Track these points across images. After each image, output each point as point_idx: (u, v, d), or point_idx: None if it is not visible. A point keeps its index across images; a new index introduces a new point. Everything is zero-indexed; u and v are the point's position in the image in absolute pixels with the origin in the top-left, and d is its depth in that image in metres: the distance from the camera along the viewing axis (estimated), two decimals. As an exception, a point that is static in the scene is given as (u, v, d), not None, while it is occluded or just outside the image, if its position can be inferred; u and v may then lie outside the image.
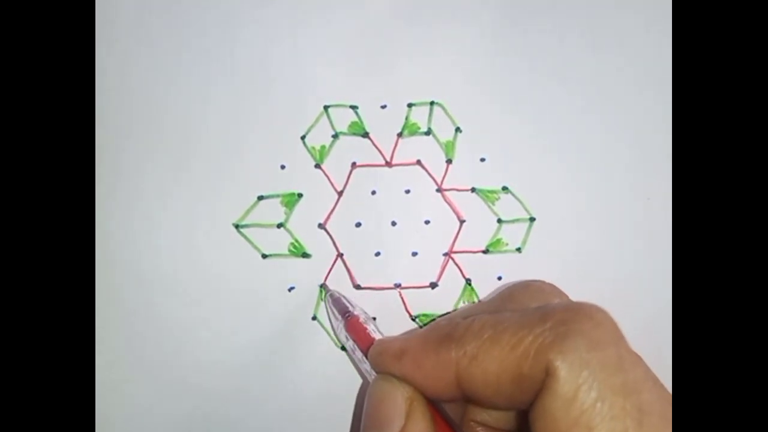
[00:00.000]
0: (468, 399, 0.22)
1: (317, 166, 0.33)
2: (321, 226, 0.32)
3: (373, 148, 0.33)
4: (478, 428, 0.25)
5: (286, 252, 0.32)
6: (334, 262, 0.32)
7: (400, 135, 0.33)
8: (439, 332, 0.22)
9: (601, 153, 0.33)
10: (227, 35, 0.33)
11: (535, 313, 0.21)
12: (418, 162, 0.33)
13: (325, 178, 0.33)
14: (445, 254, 0.32)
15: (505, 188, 0.33)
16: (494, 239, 0.32)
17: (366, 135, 0.33)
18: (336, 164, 0.33)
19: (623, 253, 0.32)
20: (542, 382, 0.19)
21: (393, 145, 0.33)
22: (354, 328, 0.28)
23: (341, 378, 0.31)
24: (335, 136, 0.33)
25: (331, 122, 0.33)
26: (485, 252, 0.32)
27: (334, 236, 0.32)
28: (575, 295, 0.30)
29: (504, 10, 0.34)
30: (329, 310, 0.31)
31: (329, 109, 0.33)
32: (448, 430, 0.23)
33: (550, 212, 0.33)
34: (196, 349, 0.31)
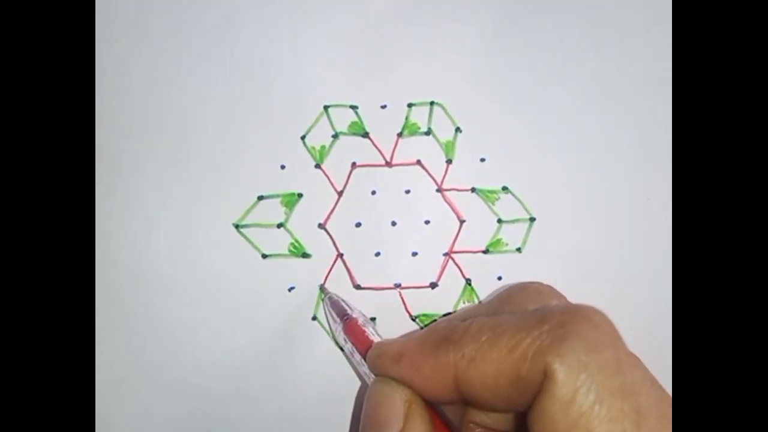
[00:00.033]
0: (466, 401, 0.22)
1: (317, 166, 0.33)
2: (321, 226, 0.32)
3: (373, 148, 0.33)
4: (477, 429, 0.25)
5: (286, 252, 0.32)
6: (334, 262, 0.32)
7: (400, 135, 0.33)
8: (437, 335, 0.22)
9: (601, 153, 0.33)
10: (227, 35, 0.33)
11: (533, 316, 0.21)
12: (418, 162, 0.33)
13: (325, 178, 0.33)
14: (445, 254, 0.32)
15: (505, 188, 0.33)
16: (494, 239, 0.32)
17: (366, 135, 0.33)
18: (336, 164, 0.33)
19: (623, 253, 0.32)
20: (540, 385, 0.19)
21: (393, 145, 0.33)
22: (352, 331, 0.28)
23: (341, 378, 0.31)
24: (335, 136, 0.33)
25: (331, 122, 0.33)
26: (485, 252, 0.32)
27: (334, 236, 0.32)
28: (575, 295, 0.30)
29: (504, 10, 0.34)
30: (327, 312, 0.31)
31: (329, 109, 0.33)
32: None
33: (550, 212, 0.33)
34: (196, 349, 0.31)
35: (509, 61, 0.33)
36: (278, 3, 0.33)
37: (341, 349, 0.31)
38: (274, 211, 0.32)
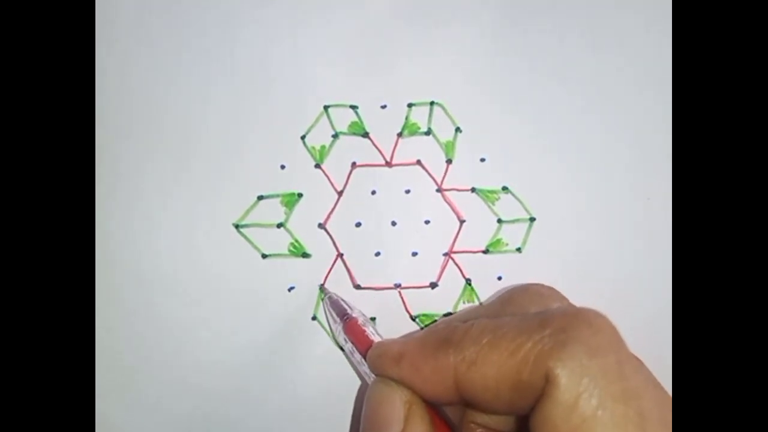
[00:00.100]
0: (467, 403, 0.22)
1: (317, 166, 0.33)
2: (321, 226, 0.32)
3: (373, 148, 0.33)
4: (477, 430, 0.25)
5: (286, 252, 0.32)
6: (334, 262, 0.32)
7: (400, 135, 0.33)
8: (437, 336, 0.22)
9: (601, 153, 0.33)
10: (227, 35, 0.33)
11: (534, 319, 0.21)
12: (418, 162, 0.33)
13: (325, 178, 0.33)
14: (445, 254, 0.32)
15: (505, 188, 0.33)
16: (494, 239, 0.32)
17: (366, 135, 0.33)
18: (336, 164, 0.33)
19: (623, 253, 0.32)
20: (542, 389, 0.19)
21: (393, 145, 0.33)
22: (352, 331, 0.28)
23: (341, 378, 0.31)
24: (335, 136, 0.33)
25: (331, 122, 0.33)
26: (485, 252, 0.32)
27: (334, 236, 0.32)
28: (575, 295, 0.30)
29: (504, 10, 0.34)
30: (327, 312, 0.31)
31: (329, 109, 0.33)
32: None
33: (550, 212, 0.33)
34: (196, 349, 0.31)
35: (509, 61, 0.33)
36: (278, 3, 0.33)
37: (341, 348, 0.31)
38: (274, 211, 0.32)
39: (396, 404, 0.23)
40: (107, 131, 0.32)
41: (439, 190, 0.33)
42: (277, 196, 0.32)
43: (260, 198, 0.32)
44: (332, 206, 0.32)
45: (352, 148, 0.33)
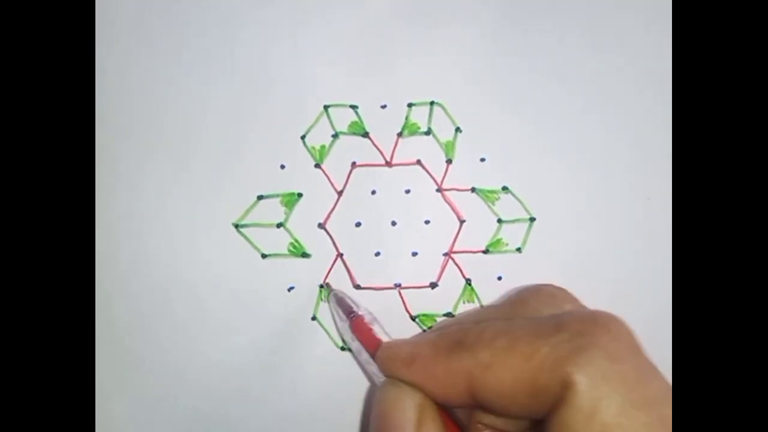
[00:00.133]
0: (480, 406, 0.22)
1: (317, 165, 0.33)
2: (321, 225, 0.32)
3: (373, 147, 0.33)
4: (486, 430, 0.25)
5: (286, 252, 0.32)
6: (334, 262, 0.32)
7: (400, 135, 0.33)
8: (449, 338, 0.22)
9: (601, 153, 0.33)
10: (227, 35, 0.33)
11: (550, 322, 0.21)
12: (418, 162, 0.33)
13: (325, 177, 0.33)
14: (445, 254, 0.32)
15: (505, 188, 0.33)
16: (494, 239, 0.32)
17: (366, 135, 0.33)
18: (336, 164, 0.33)
19: (623, 253, 0.32)
20: (559, 395, 0.19)
21: (393, 145, 0.33)
22: (359, 329, 0.28)
23: (341, 378, 0.31)
24: (335, 136, 0.33)
25: (331, 122, 0.33)
26: (485, 252, 0.32)
27: (334, 236, 0.32)
28: (575, 295, 0.30)
29: (504, 10, 0.34)
30: (333, 310, 0.31)
31: (329, 109, 0.33)
32: None
33: (550, 212, 0.33)
34: (196, 348, 0.31)
35: (509, 61, 0.33)
36: (278, 3, 0.33)
37: (347, 349, 0.31)
38: (273, 210, 0.32)
39: (408, 407, 0.22)
40: (107, 131, 0.32)
41: (439, 190, 0.33)
42: (277, 195, 0.32)
43: (260, 198, 0.32)
44: (332, 206, 0.32)
45: (352, 147, 0.33)
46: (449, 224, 0.33)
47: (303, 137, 0.33)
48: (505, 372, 0.20)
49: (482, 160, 0.33)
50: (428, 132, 0.33)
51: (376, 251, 0.32)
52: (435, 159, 0.33)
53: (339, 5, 0.33)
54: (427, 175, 0.33)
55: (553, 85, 0.33)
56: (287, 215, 0.32)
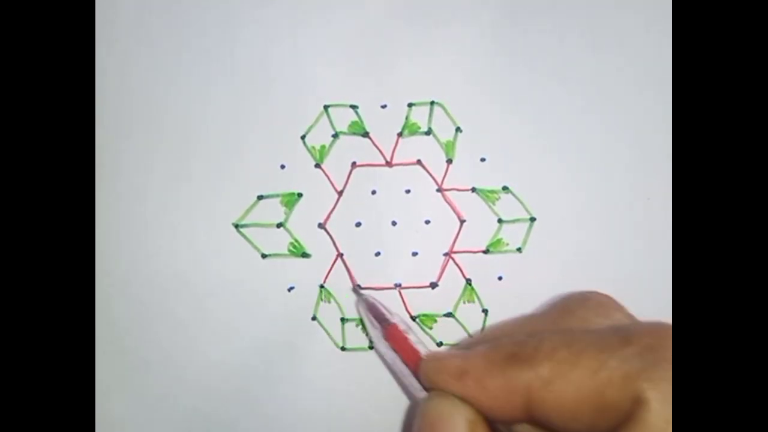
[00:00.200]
0: (536, 423, 0.21)
1: (317, 165, 0.33)
2: (321, 225, 0.32)
3: (373, 147, 0.33)
4: None
5: (286, 252, 0.32)
6: (334, 262, 0.32)
7: (400, 135, 0.33)
8: (503, 351, 0.21)
9: (601, 153, 0.33)
10: (227, 35, 0.33)
11: (616, 335, 0.20)
12: (419, 162, 0.33)
13: (325, 177, 0.33)
14: (446, 254, 0.32)
15: (505, 188, 0.33)
16: (495, 239, 0.32)
17: (366, 135, 0.33)
18: (336, 164, 0.33)
19: (623, 253, 0.32)
20: (628, 411, 0.18)
21: (393, 145, 0.33)
22: (394, 338, 0.27)
23: (341, 378, 0.31)
24: (335, 136, 0.33)
25: (331, 122, 0.33)
26: (486, 252, 0.32)
27: (334, 236, 0.32)
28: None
29: (504, 10, 0.34)
30: (365, 316, 0.30)
31: (329, 109, 0.33)
32: None
33: (551, 212, 0.33)
34: (196, 348, 0.31)
35: (509, 61, 0.33)
36: (278, 3, 0.33)
37: (342, 348, 0.31)
38: (273, 210, 0.32)
39: (458, 423, 0.21)
40: (107, 131, 0.32)
41: (439, 190, 0.33)
42: (277, 195, 0.32)
43: (260, 198, 0.32)
44: (332, 206, 0.32)
45: (352, 147, 0.33)
46: (449, 224, 0.33)
47: (303, 137, 0.33)
48: (568, 387, 0.19)
49: (482, 160, 0.33)
50: (428, 132, 0.33)
51: (376, 251, 0.32)
52: (435, 159, 0.33)
53: (339, 5, 0.33)
54: (428, 175, 0.33)
55: (553, 85, 0.33)
56: (287, 215, 0.32)
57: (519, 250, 0.32)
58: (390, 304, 0.32)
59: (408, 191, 0.33)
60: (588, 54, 0.34)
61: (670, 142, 0.33)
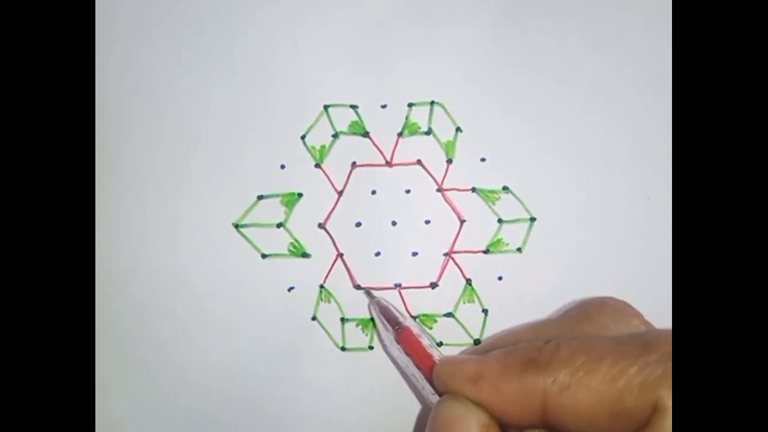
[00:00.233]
0: (550, 428, 0.21)
1: (317, 165, 0.33)
2: (321, 225, 0.32)
3: (374, 147, 0.33)
4: None
5: (286, 252, 0.32)
6: (334, 262, 0.32)
7: (400, 135, 0.33)
8: (520, 356, 0.21)
9: (601, 153, 0.33)
10: (227, 35, 0.33)
11: (635, 342, 0.20)
12: (419, 162, 0.33)
13: (325, 177, 0.33)
14: (446, 254, 0.32)
15: (505, 188, 0.33)
16: (495, 239, 0.32)
17: (366, 135, 0.33)
18: (336, 164, 0.33)
19: (623, 253, 0.32)
20: (647, 418, 0.19)
21: (393, 145, 0.33)
22: (408, 342, 0.27)
23: (341, 378, 0.31)
24: (335, 136, 0.33)
25: (331, 122, 0.33)
26: (486, 252, 0.32)
27: (334, 236, 0.32)
28: (575, 295, 0.31)
29: (504, 10, 0.34)
30: (377, 319, 0.30)
31: (329, 109, 0.33)
32: None
33: (551, 212, 0.33)
34: (196, 348, 0.31)
35: (509, 61, 0.33)
36: (278, 3, 0.33)
37: (342, 348, 0.31)
38: (273, 210, 0.32)
39: (471, 426, 0.21)
40: (107, 131, 0.32)
41: (439, 190, 0.33)
42: (277, 195, 0.32)
43: (260, 198, 0.32)
44: (332, 206, 0.32)
45: (352, 147, 0.33)
46: (449, 224, 0.33)
47: (303, 137, 0.33)
48: (586, 393, 0.20)
49: (482, 159, 0.33)
50: (428, 132, 0.33)
51: (376, 251, 0.32)
52: (435, 159, 0.33)
53: (339, 5, 0.33)
54: (428, 175, 0.33)
55: (553, 85, 0.33)
56: (287, 215, 0.32)
57: (519, 250, 0.32)
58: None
59: (408, 191, 0.33)
60: (588, 54, 0.34)
61: (670, 142, 0.33)
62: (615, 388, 0.19)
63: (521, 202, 0.33)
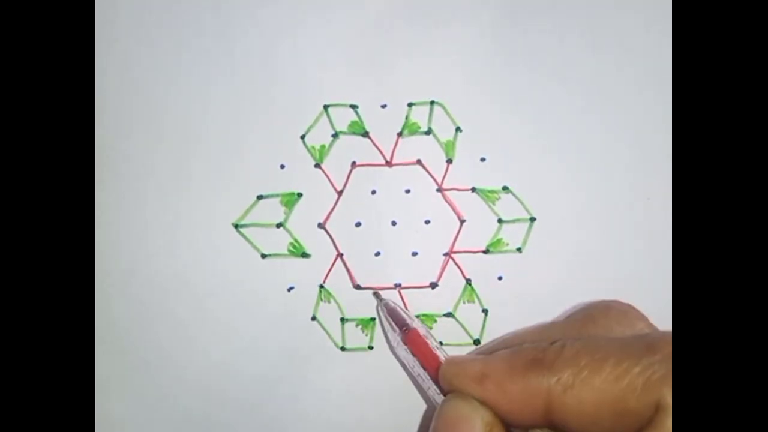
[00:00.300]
0: (554, 427, 0.21)
1: (317, 165, 0.33)
2: (321, 225, 0.32)
3: (373, 147, 0.33)
4: None
5: (286, 252, 0.32)
6: (334, 262, 0.32)
7: (400, 134, 0.33)
8: (525, 356, 0.22)
9: (601, 153, 0.33)
10: (227, 35, 0.33)
11: (639, 342, 0.20)
12: (419, 162, 0.33)
13: (325, 177, 0.33)
14: (446, 254, 0.32)
15: (505, 188, 0.33)
16: (494, 239, 0.32)
17: (366, 134, 0.33)
18: (336, 164, 0.33)
19: (623, 253, 0.32)
20: (649, 418, 0.19)
21: (393, 145, 0.33)
22: (414, 342, 0.27)
23: (341, 378, 0.31)
24: (335, 136, 0.33)
25: (331, 122, 0.33)
26: (486, 252, 0.32)
27: (333, 236, 0.32)
28: (575, 295, 0.31)
29: (504, 10, 0.34)
30: (384, 320, 0.30)
31: (329, 109, 0.33)
32: None
33: (551, 212, 0.33)
34: (195, 349, 0.31)
35: (509, 61, 0.33)
36: (278, 3, 0.33)
37: (342, 348, 0.31)
38: (273, 210, 0.32)
39: (475, 424, 0.22)
40: (107, 131, 0.32)
41: (439, 190, 0.33)
42: (277, 195, 0.32)
43: (260, 198, 0.32)
44: (332, 206, 0.32)
45: (352, 147, 0.33)
46: (449, 224, 0.33)
47: (303, 137, 0.33)
48: (590, 392, 0.20)
49: (482, 159, 0.33)
50: (428, 132, 0.33)
51: (376, 251, 0.32)
52: (435, 159, 0.33)
53: (339, 5, 0.33)
54: (428, 175, 0.33)
55: (553, 85, 0.33)
56: (287, 215, 0.32)
57: (519, 250, 0.32)
58: (390, 304, 0.32)
59: (408, 191, 0.33)
60: (588, 54, 0.34)
61: (670, 142, 0.33)
62: (618, 388, 0.19)
63: (521, 202, 0.33)
